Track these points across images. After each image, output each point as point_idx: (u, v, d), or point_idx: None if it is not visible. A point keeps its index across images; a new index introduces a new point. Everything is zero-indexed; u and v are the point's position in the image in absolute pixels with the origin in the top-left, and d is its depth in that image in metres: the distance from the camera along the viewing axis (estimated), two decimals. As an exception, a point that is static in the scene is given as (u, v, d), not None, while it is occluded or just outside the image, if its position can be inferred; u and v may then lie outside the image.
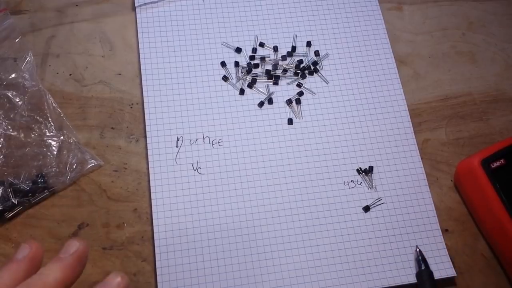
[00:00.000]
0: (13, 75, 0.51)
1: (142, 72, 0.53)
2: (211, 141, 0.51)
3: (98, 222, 0.47)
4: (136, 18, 0.56)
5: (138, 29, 0.55)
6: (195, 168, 0.50)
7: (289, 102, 0.54)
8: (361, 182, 0.51)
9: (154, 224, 0.47)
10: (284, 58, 0.56)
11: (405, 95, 0.56)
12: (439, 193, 0.52)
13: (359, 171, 0.51)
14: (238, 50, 0.55)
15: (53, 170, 0.48)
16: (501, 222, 0.47)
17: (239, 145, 0.51)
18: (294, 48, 0.56)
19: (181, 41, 0.55)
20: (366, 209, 0.50)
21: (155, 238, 0.46)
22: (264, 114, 0.53)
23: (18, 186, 0.47)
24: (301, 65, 0.56)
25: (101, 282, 0.30)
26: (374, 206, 0.50)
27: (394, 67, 0.57)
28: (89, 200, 0.48)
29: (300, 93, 0.54)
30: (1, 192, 0.46)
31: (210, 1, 0.58)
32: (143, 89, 0.52)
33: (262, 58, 0.55)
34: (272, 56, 0.56)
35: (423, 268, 0.47)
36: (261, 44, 0.56)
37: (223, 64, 0.55)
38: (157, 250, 0.46)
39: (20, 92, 0.50)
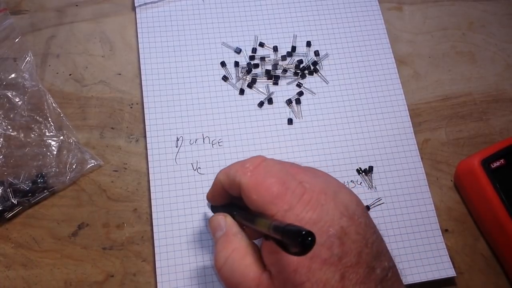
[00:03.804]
0: (13, 75, 0.51)
1: (142, 72, 0.53)
2: (211, 141, 0.51)
3: (98, 222, 0.47)
4: (136, 18, 0.56)
5: (138, 29, 0.55)
6: (195, 168, 0.50)
7: (289, 102, 0.54)
8: (361, 182, 0.51)
9: (154, 224, 0.47)
10: (284, 58, 0.56)
11: (405, 95, 0.56)
12: (439, 193, 0.52)
13: (359, 171, 0.51)
14: (238, 50, 0.55)
15: (53, 170, 0.48)
16: (501, 222, 0.47)
17: (239, 145, 0.51)
18: (294, 48, 0.56)
19: (181, 41, 0.55)
20: (366, 209, 0.50)
21: (155, 238, 0.46)
22: (264, 114, 0.53)
23: (18, 186, 0.47)
24: (301, 65, 0.56)
25: None
26: (374, 206, 0.50)
27: (394, 67, 0.57)
28: (89, 200, 0.48)
29: (300, 93, 0.54)
30: (1, 192, 0.46)
31: (210, 1, 0.58)
32: (143, 89, 0.52)
33: (262, 58, 0.55)
34: (272, 56, 0.56)
35: None
36: (261, 44, 0.56)
37: (223, 64, 0.55)
38: (157, 250, 0.46)
39: (20, 92, 0.50)
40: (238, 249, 0.36)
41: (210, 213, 0.48)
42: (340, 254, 0.32)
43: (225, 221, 0.38)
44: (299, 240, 0.27)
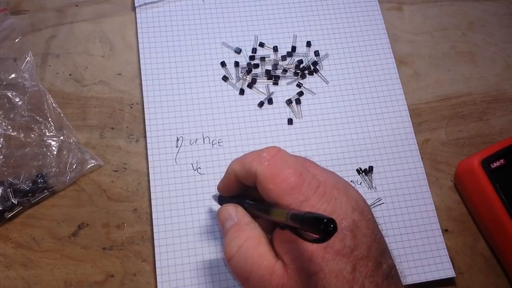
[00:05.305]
0: (13, 75, 0.51)
1: (142, 72, 0.53)
2: (211, 141, 0.51)
3: (98, 222, 0.47)
4: (136, 18, 0.56)
5: (138, 29, 0.55)
6: (195, 168, 0.50)
7: (289, 102, 0.54)
8: (361, 182, 0.51)
9: (154, 224, 0.47)
10: (284, 58, 0.56)
11: (405, 95, 0.56)
12: (439, 193, 0.52)
13: (359, 171, 0.51)
14: (238, 50, 0.55)
15: (53, 170, 0.48)
16: (501, 222, 0.47)
17: (239, 145, 0.51)
18: (294, 48, 0.56)
19: (181, 41, 0.55)
20: (366, 209, 0.50)
21: (155, 238, 0.46)
22: (264, 114, 0.53)
23: (18, 186, 0.47)
24: (301, 65, 0.56)
25: None
26: (374, 206, 0.50)
27: (394, 67, 0.57)
28: (89, 200, 0.48)
29: (300, 93, 0.54)
30: (1, 192, 0.46)
31: (210, 1, 0.58)
32: (143, 89, 0.52)
33: (262, 58, 0.55)
34: (272, 56, 0.56)
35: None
36: (261, 44, 0.56)
37: (223, 64, 0.55)
38: (157, 250, 0.46)
39: (20, 92, 0.50)
40: (251, 238, 0.36)
41: (214, 209, 0.48)
42: (352, 246, 0.32)
43: (236, 211, 0.38)
44: (321, 227, 0.27)
